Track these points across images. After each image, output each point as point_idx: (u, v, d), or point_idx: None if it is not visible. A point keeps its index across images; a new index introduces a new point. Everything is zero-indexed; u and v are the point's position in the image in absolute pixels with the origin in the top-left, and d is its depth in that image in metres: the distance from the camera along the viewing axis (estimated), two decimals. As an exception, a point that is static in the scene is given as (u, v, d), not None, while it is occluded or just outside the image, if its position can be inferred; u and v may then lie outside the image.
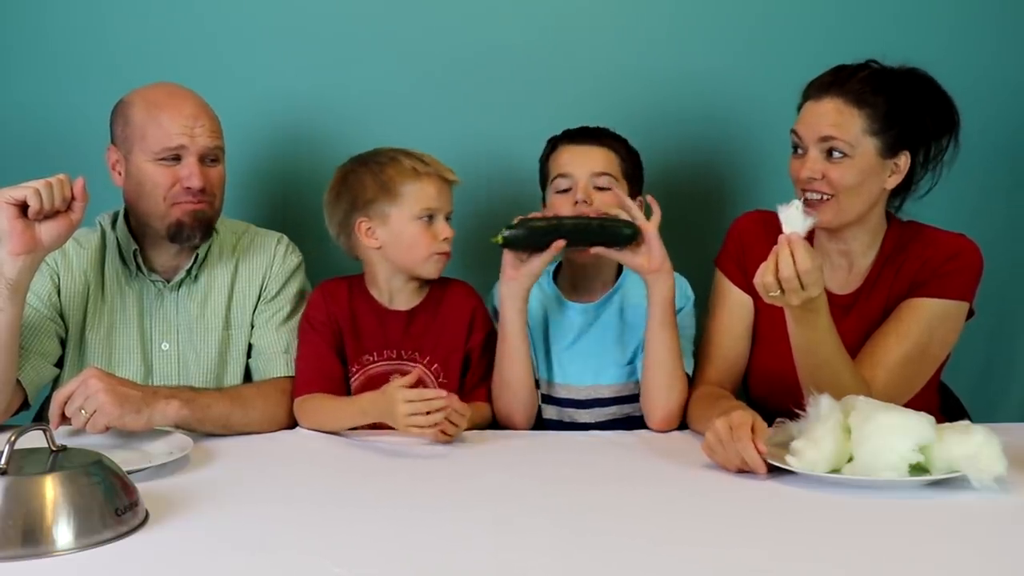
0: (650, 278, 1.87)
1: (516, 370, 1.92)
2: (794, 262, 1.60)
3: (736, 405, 1.76)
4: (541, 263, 1.89)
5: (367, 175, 1.94)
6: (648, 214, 1.90)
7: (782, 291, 1.62)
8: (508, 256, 1.91)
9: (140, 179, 1.89)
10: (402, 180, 1.91)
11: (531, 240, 1.88)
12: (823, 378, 1.73)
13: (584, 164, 1.94)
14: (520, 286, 1.91)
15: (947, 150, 1.89)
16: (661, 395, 1.88)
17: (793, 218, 1.63)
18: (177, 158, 1.87)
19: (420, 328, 1.97)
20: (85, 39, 2.40)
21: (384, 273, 1.97)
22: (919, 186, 1.91)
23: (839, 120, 1.80)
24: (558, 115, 2.09)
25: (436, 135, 2.05)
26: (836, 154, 1.80)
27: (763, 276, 1.63)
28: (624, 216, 1.88)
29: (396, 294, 1.99)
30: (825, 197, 1.82)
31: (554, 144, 2.01)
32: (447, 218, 1.94)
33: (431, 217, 1.92)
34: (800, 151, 1.85)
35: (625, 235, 1.86)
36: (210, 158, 1.90)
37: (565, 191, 1.94)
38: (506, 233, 1.88)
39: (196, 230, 1.90)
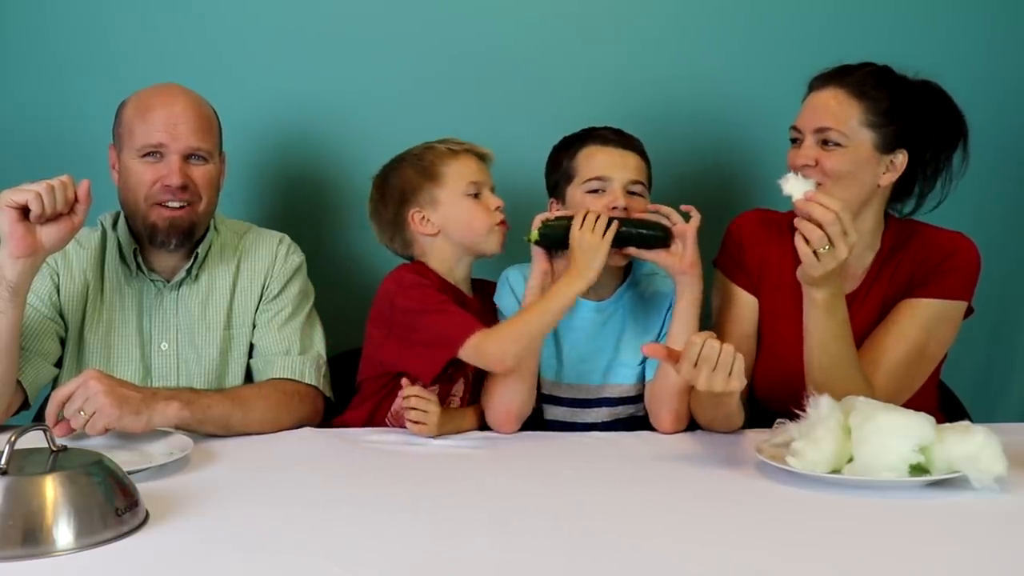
0: (680, 278, 1.88)
1: (532, 365, 1.91)
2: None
3: None
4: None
5: (407, 168, 1.99)
6: (686, 219, 1.90)
7: (831, 244, 1.65)
8: (539, 250, 1.92)
9: (126, 176, 1.91)
10: (442, 161, 1.96)
11: (567, 239, 1.88)
12: (833, 377, 1.73)
13: (623, 169, 1.93)
14: (552, 279, 1.91)
15: (950, 164, 1.89)
16: (675, 396, 1.87)
17: (795, 185, 1.72)
18: (160, 156, 1.88)
19: (489, 316, 1.98)
20: (85, 39, 2.41)
21: (448, 262, 1.98)
22: (927, 200, 1.92)
23: (837, 110, 1.82)
24: (558, 115, 2.09)
25: (437, 135, 2.04)
26: (830, 143, 1.81)
27: (810, 235, 1.66)
28: (656, 218, 1.90)
29: (461, 284, 2.00)
30: (817, 184, 1.82)
31: (581, 143, 1.98)
32: (492, 191, 1.99)
33: (478, 194, 1.96)
34: (798, 142, 1.86)
35: (658, 237, 1.88)
36: (195, 157, 1.90)
37: (596, 191, 1.93)
38: (544, 230, 1.89)
39: (171, 236, 1.90)
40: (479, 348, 1.82)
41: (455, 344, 1.82)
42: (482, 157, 2.00)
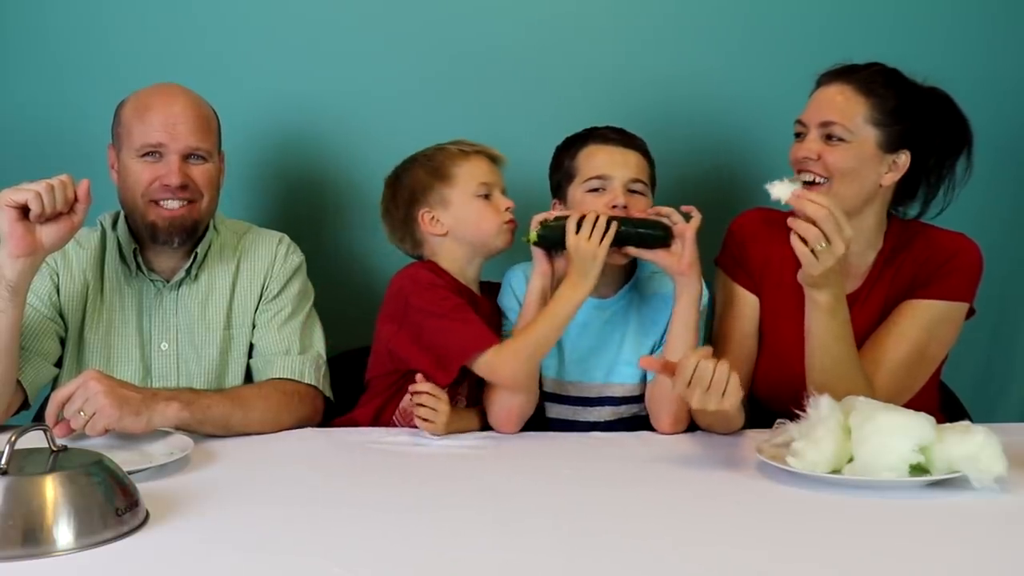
0: (679, 279, 1.87)
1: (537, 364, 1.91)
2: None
3: None
4: None
5: (418, 168, 1.99)
6: (687, 220, 1.88)
7: (827, 240, 1.66)
8: (539, 251, 1.91)
9: (125, 176, 1.91)
10: (453, 162, 1.97)
11: (565, 240, 1.86)
12: (835, 378, 1.74)
13: (623, 168, 1.93)
14: (552, 280, 1.91)
15: (954, 171, 1.90)
16: (674, 400, 1.84)
17: (783, 189, 1.72)
18: (159, 156, 1.88)
19: (490, 318, 1.97)
20: (85, 39, 2.41)
21: (458, 263, 1.98)
22: (930, 206, 1.93)
23: (843, 105, 1.82)
24: (558, 116, 2.09)
25: (437, 135, 2.04)
26: (834, 138, 1.82)
27: (806, 233, 1.66)
28: (656, 218, 1.88)
29: (471, 284, 2.00)
30: (819, 180, 1.82)
31: (582, 143, 1.98)
32: (503, 193, 1.99)
33: (488, 195, 1.96)
34: (801, 136, 1.86)
35: (658, 237, 1.86)
36: (195, 156, 1.90)
37: (597, 191, 1.93)
38: (542, 231, 1.88)
39: (173, 234, 1.90)
40: (491, 367, 1.84)
41: (468, 355, 1.84)
42: (494, 159, 2.00)
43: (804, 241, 1.67)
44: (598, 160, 1.94)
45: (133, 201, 1.90)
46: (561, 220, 1.88)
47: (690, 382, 1.61)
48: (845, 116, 1.81)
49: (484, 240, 1.97)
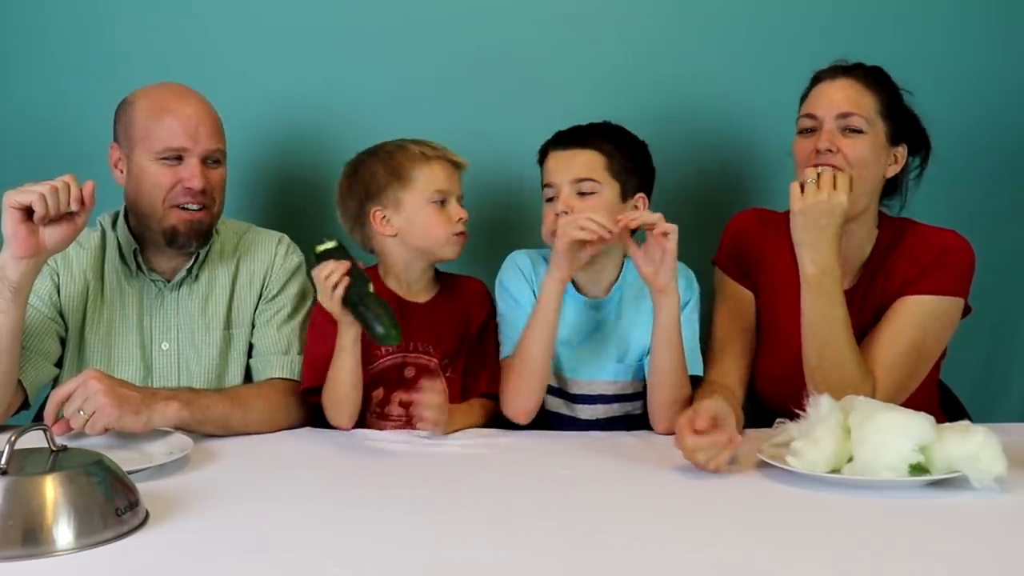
0: (656, 296, 1.82)
1: (546, 360, 1.88)
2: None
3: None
4: None
5: (377, 164, 1.97)
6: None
7: (818, 184, 1.75)
8: (563, 249, 1.85)
9: (140, 178, 1.89)
10: (412, 165, 1.94)
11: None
12: (829, 359, 1.75)
13: (565, 171, 1.90)
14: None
15: (920, 172, 1.96)
16: (665, 408, 1.86)
17: None
18: (179, 159, 1.87)
19: (439, 319, 1.97)
20: (85, 39, 2.41)
21: (402, 263, 1.98)
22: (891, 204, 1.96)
23: (857, 98, 1.85)
24: (559, 115, 2.08)
25: (436, 135, 2.04)
26: (851, 130, 1.83)
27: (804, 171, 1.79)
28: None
29: (413, 284, 1.99)
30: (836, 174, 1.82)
31: (544, 151, 1.98)
32: (459, 201, 1.96)
33: (444, 201, 1.93)
34: (809, 131, 1.86)
35: (372, 328, 1.72)
36: (212, 160, 1.91)
37: (550, 200, 1.92)
38: (318, 253, 1.80)
39: (192, 239, 1.90)
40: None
41: (304, 383, 1.91)
42: (456, 166, 1.97)
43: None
44: (547, 167, 1.95)
45: (151, 205, 1.89)
46: (333, 253, 1.79)
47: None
48: (861, 107, 1.84)
49: (431, 247, 1.95)
